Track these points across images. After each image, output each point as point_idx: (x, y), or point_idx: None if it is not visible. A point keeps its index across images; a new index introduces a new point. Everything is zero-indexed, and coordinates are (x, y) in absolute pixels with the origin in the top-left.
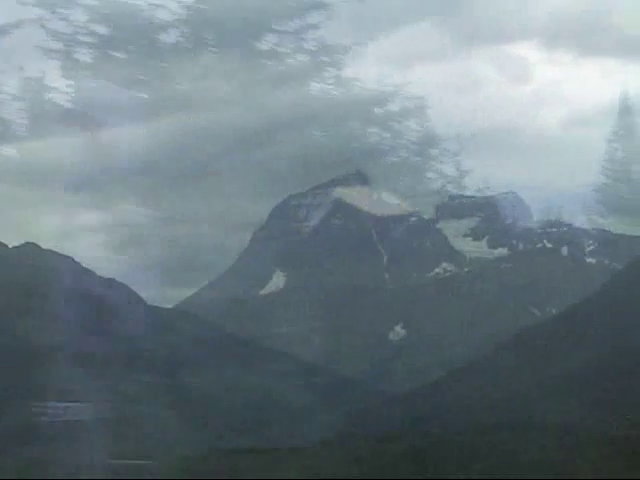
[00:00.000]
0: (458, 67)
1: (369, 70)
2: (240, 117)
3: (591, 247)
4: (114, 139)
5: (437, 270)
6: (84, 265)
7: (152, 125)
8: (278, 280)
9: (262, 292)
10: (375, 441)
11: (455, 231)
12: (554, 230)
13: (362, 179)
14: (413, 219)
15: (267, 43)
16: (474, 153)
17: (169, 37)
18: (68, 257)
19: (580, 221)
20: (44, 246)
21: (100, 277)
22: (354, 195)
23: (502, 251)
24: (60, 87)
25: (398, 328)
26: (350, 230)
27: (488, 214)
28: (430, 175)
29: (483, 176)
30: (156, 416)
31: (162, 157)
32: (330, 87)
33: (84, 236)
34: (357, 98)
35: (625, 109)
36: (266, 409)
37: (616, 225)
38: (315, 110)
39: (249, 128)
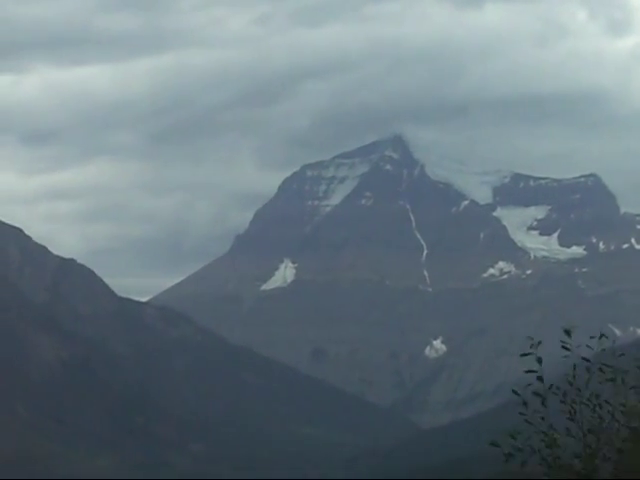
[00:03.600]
0: (539, 9)
1: (428, 8)
2: (253, 59)
3: None
4: (88, 78)
5: (492, 270)
6: (36, 240)
7: (139, 64)
8: (286, 272)
9: (264, 287)
10: None
11: (518, 221)
12: None
13: (401, 146)
14: (464, 203)
15: None
16: (547, 122)
17: None
18: (15, 228)
19: None
20: None
21: (56, 256)
22: (389, 167)
23: (577, 250)
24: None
25: (437, 343)
26: (382, 213)
27: (561, 202)
28: (488, 146)
29: (557, 152)
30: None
31: (149, 105)
32: (375, 26)
33: (43, 202)
34: (409, 42)
35: None
36: (263, 448)
37: None
38: (353, 55)
39: (263, 74)
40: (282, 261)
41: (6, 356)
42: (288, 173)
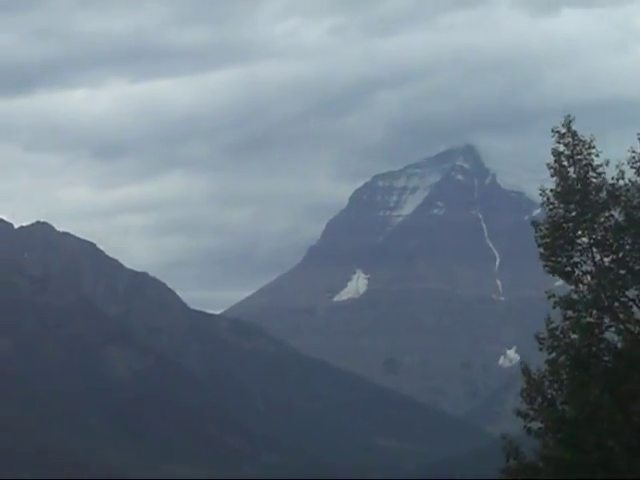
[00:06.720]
0: (616, 15)
1: (503, 15)
2: (326, 71)
3: None
4: (162, 91)
5: None
6: (109, 254)
7: (212, 76)
8: (358, 284)
9: (336, 299)
10: None
11: None
12: None
13: (472, 156)
14: (537, 211)
15: None
16: (621, 128)
17: None
18: (88, 242)
19: None
20: (59, 227)
21: (129, 270)
22: (460, 177)
23: None
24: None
25: (511, 352)
26: (453, 223)
27: None
28: None
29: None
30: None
31: (222, 118)
32: (449, 35)
33: (115, 216)
34: (483, 51)
35: None
36: (336, 459)
37: None
38: (426, 65)
39: (337, 85)
40: (354, 272)
41: (80, 369)
42: (360, 184)
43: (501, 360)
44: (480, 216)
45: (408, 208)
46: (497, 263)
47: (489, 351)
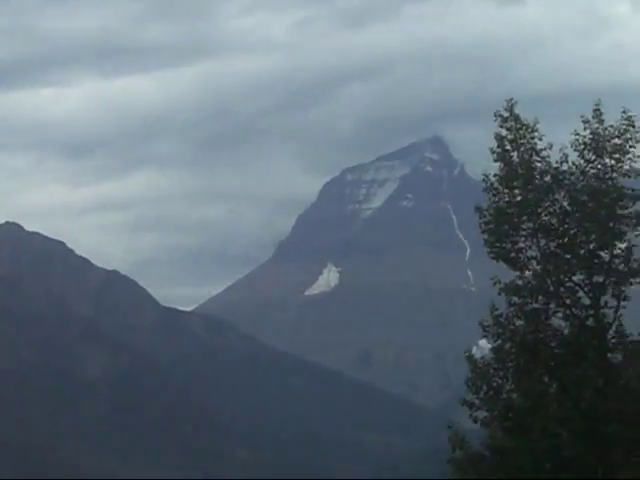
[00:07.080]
0: (580, 3)
1: (470, 6)
2: (294, 64)
3: None
4: (131, 89)
5: None
6: (79, 252)
7: (182, 72)
8: (329, 277)
9: (308, 292)
10: None
11: None
12: None
13: (441, 147)
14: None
15: None
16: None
17: None
18: (58, 242)
19: None
20: (29, 227)
21: (100, 268)
22: (429, 169)
23: None
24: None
25: (483, 342)
26: (423, 214)
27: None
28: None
29: None
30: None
31: (193, 114)
32: (416, 27)
33: (85, 215)
34: (450, 42)
35: None
36: (311, 452)
37: None
38: (393, 57)
39: (305, 79)
40: (325, 266)
41: (52, 369)
42: (329, 177)
43: (473, 350)
44: (449, 207)
45: (378, 201)
46: (467, 253)
47: (461, 342)
